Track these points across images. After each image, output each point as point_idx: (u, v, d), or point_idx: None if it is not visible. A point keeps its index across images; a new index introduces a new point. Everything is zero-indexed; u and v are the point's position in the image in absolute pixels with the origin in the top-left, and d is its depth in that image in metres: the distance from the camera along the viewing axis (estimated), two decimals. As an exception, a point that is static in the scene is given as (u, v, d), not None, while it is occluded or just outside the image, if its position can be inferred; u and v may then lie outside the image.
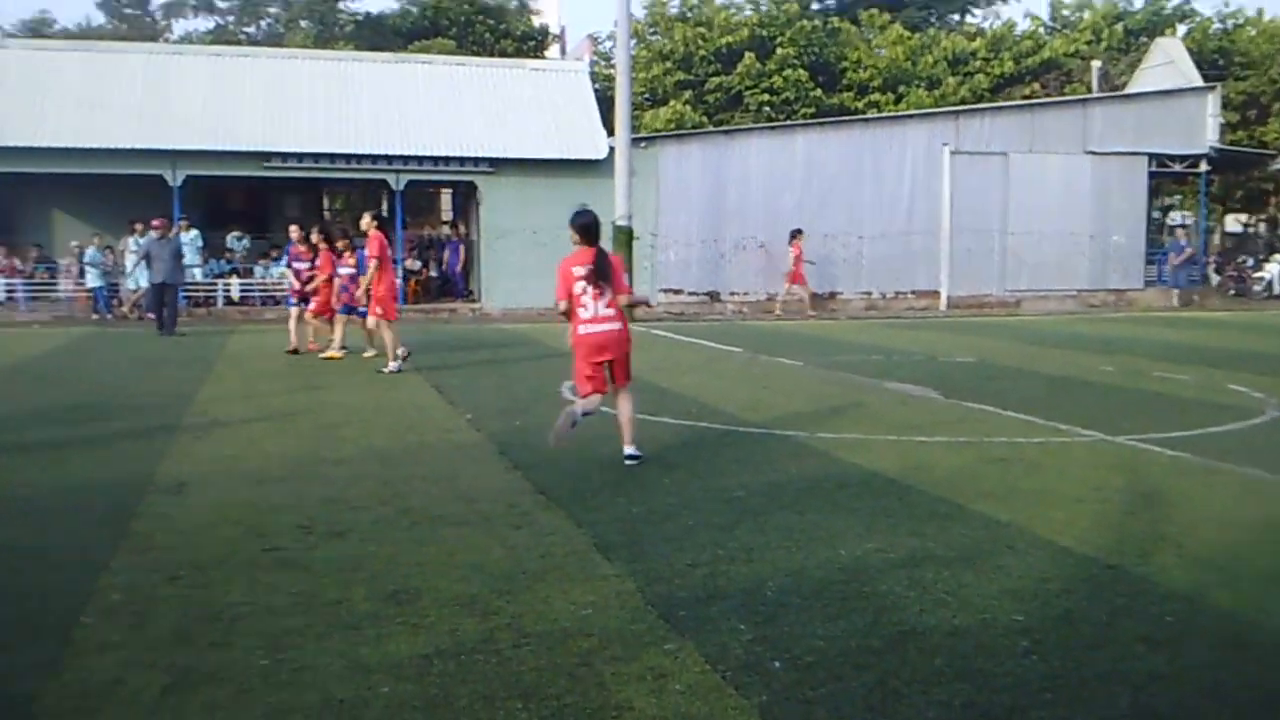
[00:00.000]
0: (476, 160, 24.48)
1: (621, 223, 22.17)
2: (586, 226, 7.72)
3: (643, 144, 25.65)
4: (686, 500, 6.56)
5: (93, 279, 22.21)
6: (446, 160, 24.48)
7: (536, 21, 49.13)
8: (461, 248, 27.19)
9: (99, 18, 54.19)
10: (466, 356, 15.17)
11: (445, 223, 33.02)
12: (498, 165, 24.50)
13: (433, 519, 6.11)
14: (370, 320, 13.43)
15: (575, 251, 7.71)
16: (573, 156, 24.51)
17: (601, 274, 7.51)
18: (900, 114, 30.78)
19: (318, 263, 14.69)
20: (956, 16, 46.61)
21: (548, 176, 24.18)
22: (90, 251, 22.39)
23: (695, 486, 6.95)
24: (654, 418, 9.35)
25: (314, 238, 14.84)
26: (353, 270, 14.20)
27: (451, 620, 4.45)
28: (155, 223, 19.17)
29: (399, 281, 24.60)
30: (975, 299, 26.98)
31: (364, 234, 13.45)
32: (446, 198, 34.38)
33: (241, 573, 5.08)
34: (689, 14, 38.70)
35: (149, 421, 9.36)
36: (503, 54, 39.96)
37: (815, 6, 43.11)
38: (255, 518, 6.09)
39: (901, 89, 36.36)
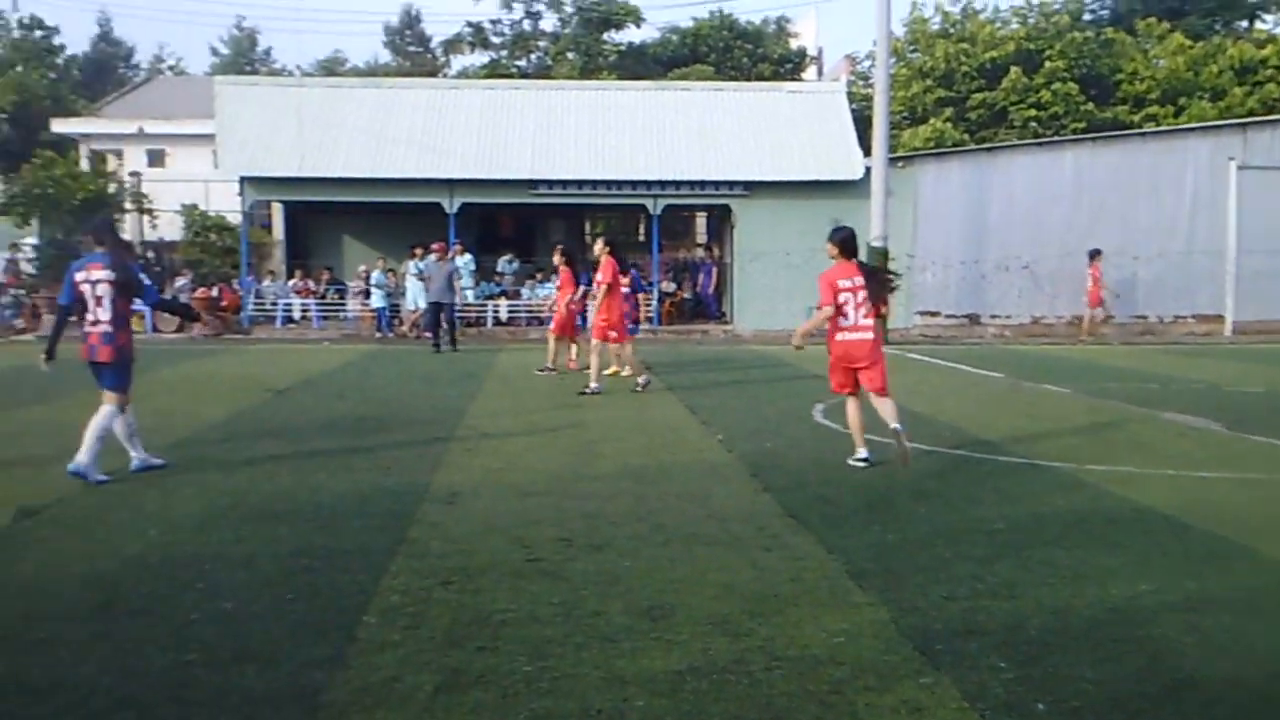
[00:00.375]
0: (732, 184, 24.76)
1: (877, 244, 21.85)
2: (845, 240, 8.37)
3: (900, 163, 25.22)
4: (943, 530, 6.39)
5: (377, 300, 23.88)
6: (702, 184, 24.88)
7: (794, 44, 49.19)
8: (715, 270, 27.52)
9: (385, 56, 58.44)
10: (718, 377, 15.34)
11: (700, 245, 33.51)
12: (752, 188, 24.69)
13: (686, 537, 6.22)
14: (594, 342, 13.43)
15: (837, 265, 8.32)
16: (828, 178, 24.38)
17: (873, 285, 8.25)
18: (1180, 127, 28.91)
19: (558, 282, 15.03)
20: (1244, 23, 43.31)
21: (802, 198, 24.14)
22: (375, 274, 24.09)
23: (952, 517, 6.77)
24: (908, 444, 9.16)
25: (556, 259, 14.98)
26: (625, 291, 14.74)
27: (704, 639, 4.52)
28: (435, 246, 20.42)
29: (654, 303, 25.29)
30: (1265, 325, 24.88)
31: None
32: (702, 221, 34.89)
33: (507, 581, 5.34)
34: (951, 30, 37.75)
35: (425, 434, 9.98)
36: (760, 78, 40.28)
37: (1087, 17, 41.14)
38: (520, 529, 6.38)
39: (1182, 101, 34.14)
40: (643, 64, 45.94)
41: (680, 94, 27.38)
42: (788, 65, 46.76)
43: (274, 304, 25.67)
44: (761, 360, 18.31)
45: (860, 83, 38.47)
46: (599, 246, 13.64)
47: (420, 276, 23.53)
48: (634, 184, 24.83)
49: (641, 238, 34.32)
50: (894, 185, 23.18)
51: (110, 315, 7.86)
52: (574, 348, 15.65)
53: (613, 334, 13.43)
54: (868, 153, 23.66)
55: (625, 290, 14.99)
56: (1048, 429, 10.50)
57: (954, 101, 36.07)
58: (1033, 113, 34.05)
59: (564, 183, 24.67)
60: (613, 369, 14.42)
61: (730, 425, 10.56)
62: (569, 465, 8.51)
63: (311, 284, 26.56)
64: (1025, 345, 22.56)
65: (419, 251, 23.71)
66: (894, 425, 8.00)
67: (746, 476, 8.09)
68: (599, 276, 13.44)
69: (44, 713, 3.78)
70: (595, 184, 24.80)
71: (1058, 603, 5.02)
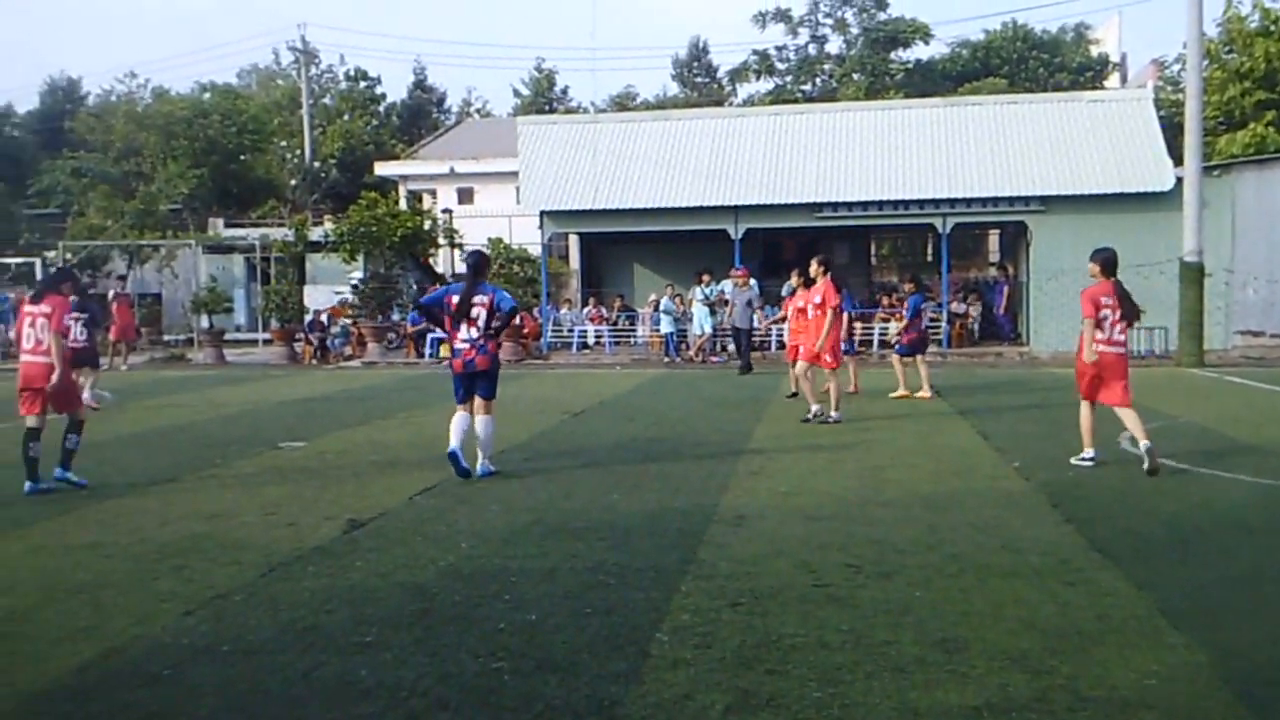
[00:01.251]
0: (1027, 199, 23.73)
1: (1191, 259, 20.35)
2: (1107, 261, 9.30)
3: (1215, 172, 23.36)
4: (1268, 569, 5.88)
5: (665, 325, 24.49)
6: (995, 201, 23.98)
7: (1095, 51, 46.70)
8: (1008, 289, 26.44)
9: (674, 88, 59.99)
10: (1013, 401, 14.72)
11: (992, 264, 32.30)
12: (1049, 203, 23.56)
13: (980, 568, 6.03)
14: (800, 365, 13.02)
15: (1098, 283, 9.26)
16: (1134, 190, 22.91)
17: (1125, 306, 9.12)
18: None
19: (817, 298, 13.31)
20: None
21: (1106, 212, 22.79)
22: (664, 301, 24.73)
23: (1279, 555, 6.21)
24: (1227, 474, 8.49)
25: (814, 269, 13.33)
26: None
27: (1001, 674, 4.37)
28: (737, 272, 20.66)
29: (943, 325, 24.58)
30: None
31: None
32: (994, 239, 33.64)
33: (794, 605, 5.36)
34: (1272, 28, 34.63)
35: (712, 457, 10.16)
36: (1057, 88, 38.47)
37: None
38: (806, 553, 6.39)
39: None
40: (931, 80, 44.95)
41: (971, 109, 26.55)
42: (1088, 73, 44.45)
43: (570, 330, 26.85)
44: (1060, 383, 17.36)
45: (1169, 88, 35.96)
46: (815, 267, 13.01)
47: (707, 302, 23.99)
48: (921, 203, 24.28)
49: (929, 257, 33.54)
50: (1209, 196, 21.51)
51: (482, 332, 9.04)
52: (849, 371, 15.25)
53: (827, 358, 12.69)
54: (1178, 162, 22.06)
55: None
56: (1398, 461, 9.41)
57: (1276, 104, 33.01)
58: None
59: (849, 204, 24.46)
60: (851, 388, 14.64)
61: (1027, 452, 10.12)
62: (856, 490, 8.43)
63: (604, 311, 27.61)
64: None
65: (705, 278, 24.21)
66: (1145, 444, 8.75)
67: (1046, 506, 7.74)
68: (817, 300, 12.85)
69: (370, 711, 4.13)
70: (881, 204, 24.45)
71: None
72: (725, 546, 6.59)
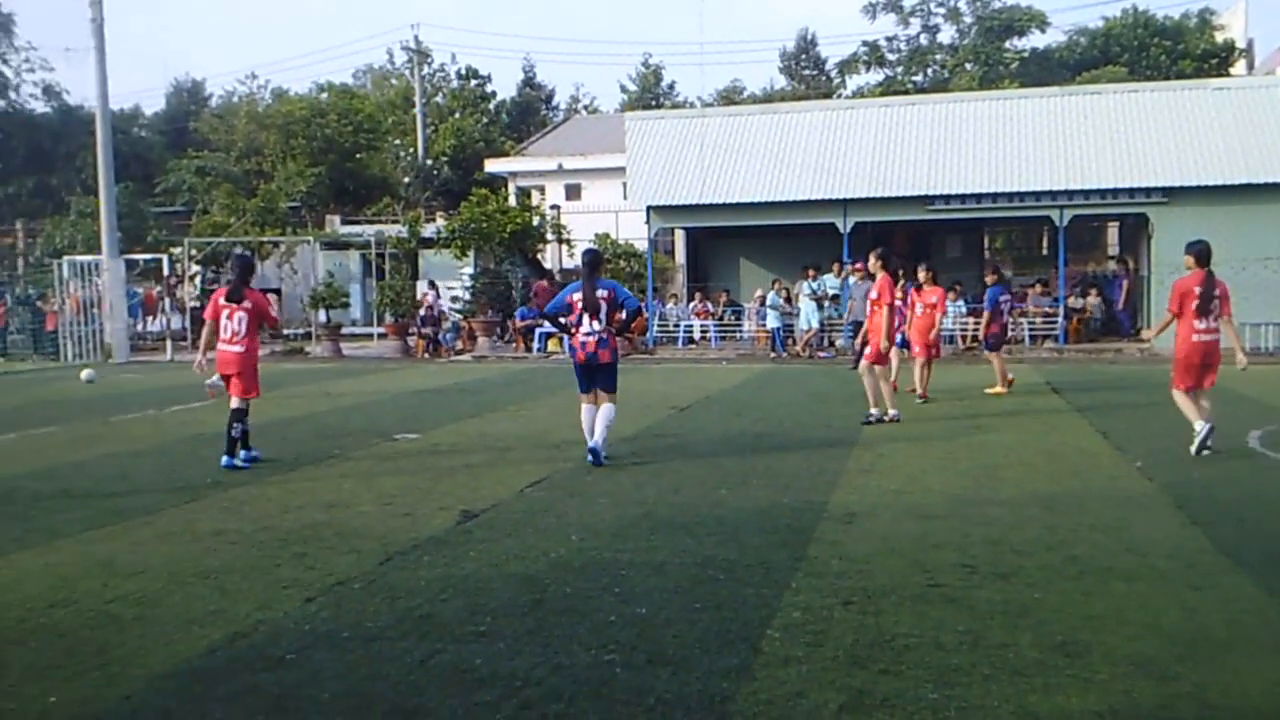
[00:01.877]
0: (1148, 190, 22.96)
1: (1327, 252, 19.44)
2: (1202, 253, 9.72)
3: (1353, 161, 22.26)
4: None
5: (772, 320, 24.34)
6: (1114, 192, 23.25)
7: (1219, 38, 44.94)
8: (1127, 283, 25.61)
9: (781, 81, 59.57)
10: (1134, 399, 14.25)
11: (1111, 258, 31.34)
12: (1172, 194, 22.74)
13: (1101, 571, 5.86)
14: (863, 364, 12.55)
15: (1192, 274, 9.65)
16: (1264, 180, 21.97)
17: (1221, 294, 9.53)
18: None
19: (873, 293, 12.79)
20: None
21: (1232, 203, 21.91)
22: (771, 295, 24.58)
23: None
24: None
25: (871, 264, 12.88)
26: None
27: (1125, 680, 4.25)
28: (857, 265, 20.45)
29: (1059, 320, 23.93)
30: None
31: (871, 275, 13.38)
32: (1113, 231, 32.64)
33: (908, 605, 5.28)
34: None
35: (820, 452, 10.07)
36: (1180, 75, 37.13)
37: None
38: (919, 552, 6.29)
39: None
40: (1048, 70, 43.80)
41: (1090, 98, 25.75)
42: (1212, 61, 42.79)
43: (675, 325, 26.87)
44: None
45: (1302, 72, 34.43)
46: (872, 263, 12.65)
47: (814, 296, 23.77)
48: (1037, 195, 23.65)
49: (1045, 251, 32.70)
50: (1347, 185, 20.53)
51: (605, 325, 9.54)
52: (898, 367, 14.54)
53: (887, 350, 12.42)
54: (1314, 150, 21.13)
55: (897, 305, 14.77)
56: None
57: None
58: None
59: (961, 197, 23.97)
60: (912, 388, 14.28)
61: (1150, 451, 9.79)
62: (970, 489, 8.27)
63: (710, 306, 27.56)
64: None
65: (813, 272, 23.99)
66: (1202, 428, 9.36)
67: (1171, 508, 7.48)
68: (873, 295, 12.49)
69: (485, 699, 4.20)
70: (995, 197, 23.89)
71: None
72: (836, 544, 6.53)
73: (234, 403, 9.86)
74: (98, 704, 4.25)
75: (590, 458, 9.47)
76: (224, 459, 9.71)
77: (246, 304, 9.89)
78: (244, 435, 9.87)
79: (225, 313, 9.89)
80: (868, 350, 12.43)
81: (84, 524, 7.51)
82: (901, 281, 15.34)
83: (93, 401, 16.36)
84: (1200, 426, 9.41)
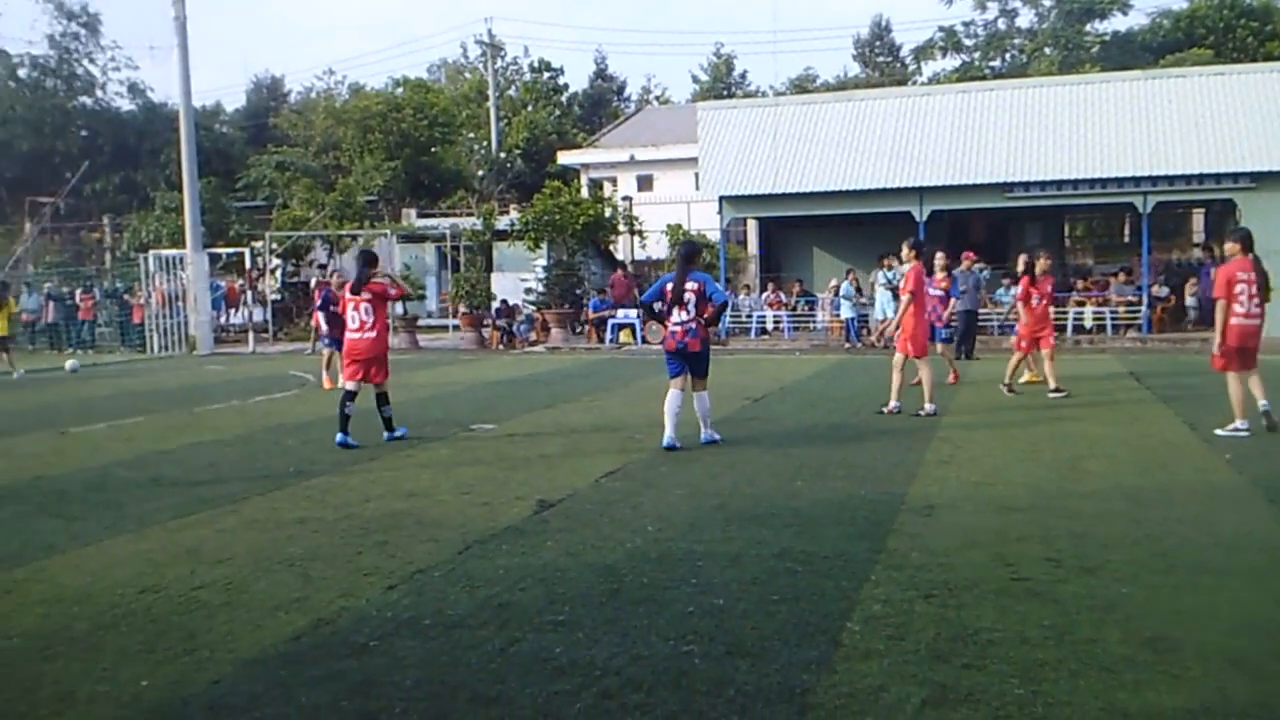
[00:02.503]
0: (1235, 176, 22.31)
1: None
2: (1245, 238, 10.13)
3: None
4: None
5: (846, 310, 24.11)
6: (1200, 178, 22.64)
7: (1312, 15, 43.51)
8: (1214, 271, 24.90)
9: (854, 69, 58.98)
10: (1222, 389, 13.82)
11: (1196, 245, 30.51)
12: (1261, 180, 22.08)
13: (1191, 566, 5.71)
14: (898, 357, 12.26)
15: (1235, 260, 10.03)
16: (1358, 164, 21.25)
17: (1262, 279, 9.92)
18: None
19: (908, 283, 12.29)
20: None
21: (1326, 188, 21.21)
22: (845, 285, 24.35)
23: None
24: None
25: (905, 253, 12.49)
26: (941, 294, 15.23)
27: (1217, 676, 4.13)
28: (966, 255, 20.15)
29: (1145, 309, 23.36)
30: None
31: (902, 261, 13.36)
32: (1198, 218, 31.79)
33: (991, 599, 5.20)
34: None
35: (897, 444, 9.94)
36: (1268, 58, 35.98)
37: None
38: (1002, 545, 6.18)
39: None
40: (1130, 53, 42.77)
41: (1174, 81, 25.08)
42: (1304, 40, 41.42)
43: (748, 316, 26.75)
44: (1272, 372, 16.31)
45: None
46: (906, 252, 12.32)
47: (889, 286, 23.47)
48: (1120, 181, 23.11)
49: (1126, 238, 31.96)
50: None
51: (693, 315, 9.83)
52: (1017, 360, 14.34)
53: (909, 346, 12.05)
54: None
55: (939, 294, 15.24)
56: None
57: None
58: None
59: (1041, 184, 23.51)
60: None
61: (1239, 443, 9.52)
62: (1053, 481, 8.11)
63: (783, 296, 27.39)
64: None
65: (888, 261, 23.68)
66: (1263, 404, 9.96)
67: (1263, 502, 7.27)
68: (902, 284, 12.28)
69: (565, 688, 4.22)
70: (1075, 183, 23.40)
71: None
72: (916, 536, 6.44)
73: (349, 386, 10.68)
74: (187, 688, 4.35)
75: (668, 449, 9.68)
76: (339, 436, 10.46)
77: (366, 294, 10.64)
78: (387, 420, 10.85)
79: (351, 304, 10.70)
80: (898, 339, 12.26)
81: (172, 512, 7.70)
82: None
83: (179, 392, 16.77)
84: (1242, 424, 9.88)
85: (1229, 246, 10.15)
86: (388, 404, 10.93)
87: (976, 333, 20.08)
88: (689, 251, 10.34)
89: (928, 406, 11.87)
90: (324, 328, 16.80)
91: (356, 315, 10.69)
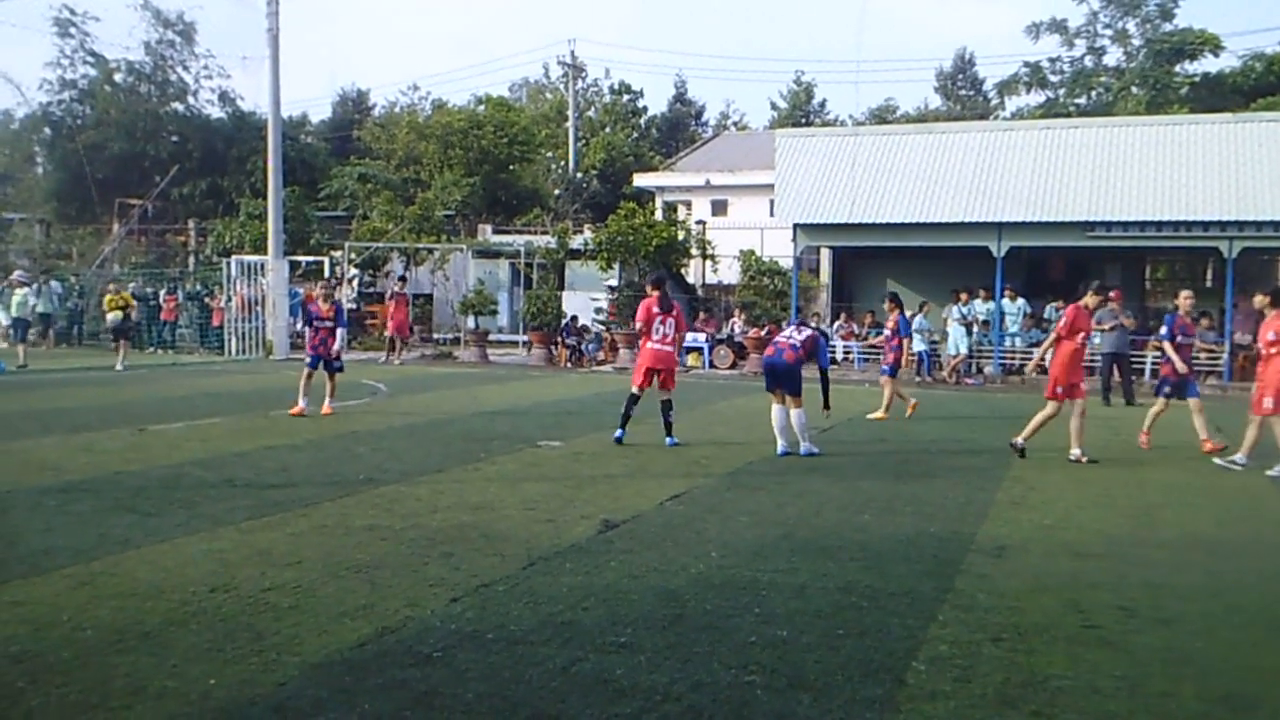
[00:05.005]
0: (1326, 223, 21.72)
1: None
2: (1276, 293, 10.94)
3: None
4: None
5: (918, 344, 23.84)
6: (1290, 224, 22.07)
7: None
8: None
9: (935, 101, 58.54)
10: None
11: (1108, 295, 29.66)
12: (1355, 228, 21.47)
13: (1270, 621, 5.57)
14: (1051, 406, 11.44)
15: (1271, 315, 10.78)
16: None
17: None
18: None
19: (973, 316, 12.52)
20: None
21: None
22: (919, 319, 24.10)
23: None
24: None
25: (1089, 298, 11.89)
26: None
27: (1298, 741, 4.01)
28: (1113, 294, 19.81)
29: (1226, 356, 22.79)
30: None
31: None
32: (1288, 265, 30.95)
33: (1062, 645, 5.09)
34: None
35: (968, 482, 9.80)
36: (1368, 101, 35.01)
37: None
38: (1073, 591, 6.06)
39: None
40: (1220, 95, 41.90)
41: (1264, 125, 24.51)
42: (1402, 86, 40.31)
43: (819, 346, 26.56)
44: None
45: None
46: (1090, 297, 11.75)
47: (964, 321, 23.22)
48: (1205, 225, 22.62)
49: (1209, 283, 31.23)
50: None
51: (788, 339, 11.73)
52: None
53: (1057, 389, 11.34)
54: None
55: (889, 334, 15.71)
56: None
57: None
58: None
59: (1123, 224, 23.08)
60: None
61: (1325, 499, 9.25)
62: (1127, 528, 7.93)
63: (854, 327, 27.19)
64: None
65: (964, 296, 23.44)
66: None
67: (1348, 561, 7.04)
68: (1059, 324, 11.74)
69: (626, 711, 4.21)
70: (1159, 225, 22.94)
71: None
72: (985, 578, 6.34)
73: (634, 390, 12.11)
74: (254, 689, 4.41)
75: (780, 452, 11.17)
76: (669, 439, 11.87)
77: (674, 312, 12.06)
78: (669, 425, 11.94)
79: (658, 319, 11.99)
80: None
81: (245, 513, 7.84)
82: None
83: (254, 395, 17.09)
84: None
85: (1260, 300, 11.28)
86: (672, 409, 12.04)
87: (1131, 375, 19.17)
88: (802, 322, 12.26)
89: (1074, 451, 11.25)
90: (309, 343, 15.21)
91: (661, 328, 11.98)
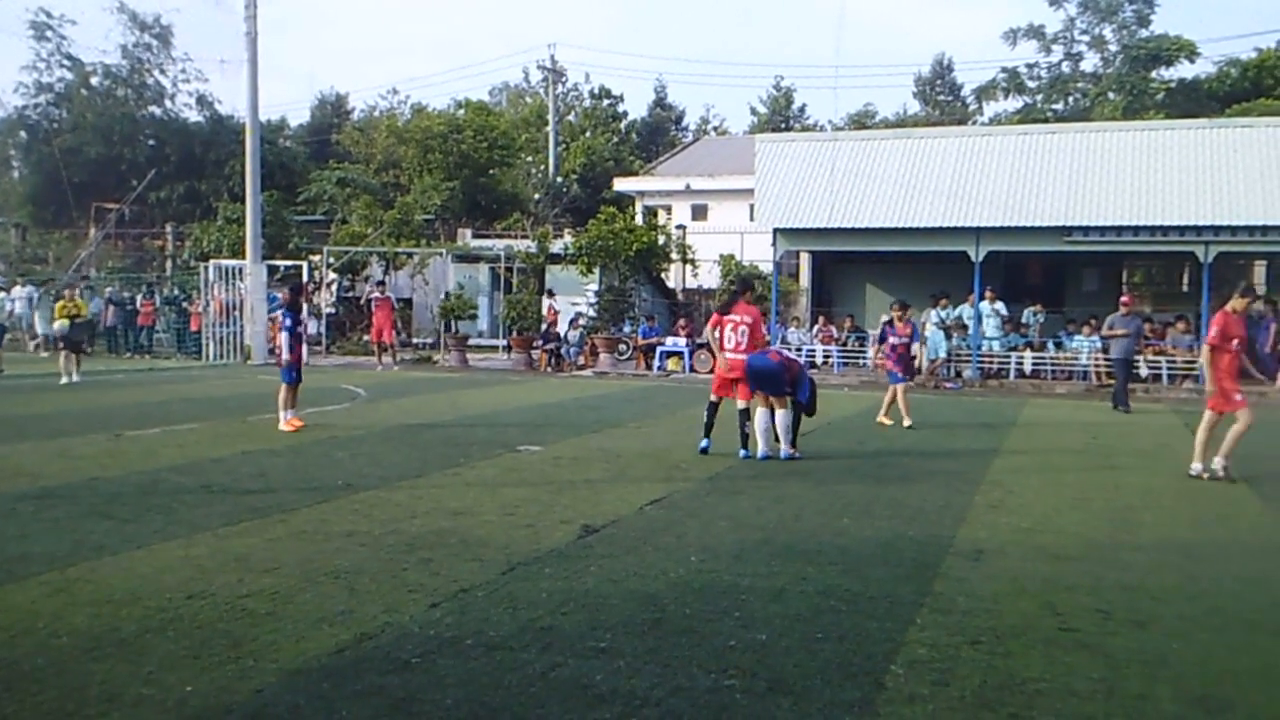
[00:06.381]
0: (1299, 228, 21.91)
1: None
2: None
3: None
4: None
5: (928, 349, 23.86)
6: (1264, 229, 22.26)
7: (1387, 67, 42.80)
8: (1275, 326, 24.44)
9: (914, 106, 58.83)
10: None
11: (1258, 298, 29.98)
12: (1328, 233, 21.66)
13: (1246, 624, 5.59)
14: (1210, 415, 10.84)
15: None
16: None
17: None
18: None
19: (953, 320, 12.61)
20: None
21: (1396, 244, 20.78)
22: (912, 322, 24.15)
23: None
24: None
25: (1236, 302, 11.32)
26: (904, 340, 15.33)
27: (1273, 742, 4.04)
28: (1124, 300, 19.80)
29: (1202, 359, 22.94)
30: None
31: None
32: (1260, 270, 31.23)
33: (1039, 648, 5.12)
34: None
35: (946, 485, 9.84)
36: (1341, 108, 35.36)
37: None
38: (1051, 594, 6.09)
39: None
40: (1196, 101, 42.30)
41: (1240, 131, 24.72)
42: (1381, 91, 40.77)
43: (798, 350, 26.63)
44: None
45: None
46: (1237, 301, 11.12)
47: (942, 325, 23.32)
48: (1181, 230, 22.77)
49: (1185, 287, 31.50)
50: None
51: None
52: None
53: (1238, 396, 10.69)
54: None
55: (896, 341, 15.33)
56: None
57: None
58: None
59: (1100, 229, 23.22)
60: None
61: (1299, 502, 9.32)
62: (1105, 531, 7.98)
63: (834, 331, 27.27)
64: None
65: (943, 300, 23.55)
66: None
67: (1322, 563, 7.10)
68: (1209, 331, 11.09)
69: (605, 717, 4.20)
70: (1136, 230, 23.08)
71: None
72: (963, 581, 6.36)
73: (712, 398, 11.87)
74: (231, 696, 4.39)
75: (760, 456, 11.18)
76: (741, 451, 11.36)
77: (747, 319, 11.70)
78: (745, 437, 11.46)
79: (729, 325, 11.66)
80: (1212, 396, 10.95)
81: (222, 519, 7.80)
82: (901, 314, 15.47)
83: (232, 401, 17.00)
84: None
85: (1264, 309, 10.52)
86: (751, 419, 11.58)
87: (1125, 382, 18.98)
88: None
89: (1218, 461, 10.54)
90: (285, 355, 13.66)
91: (734, 336, 11.66)
